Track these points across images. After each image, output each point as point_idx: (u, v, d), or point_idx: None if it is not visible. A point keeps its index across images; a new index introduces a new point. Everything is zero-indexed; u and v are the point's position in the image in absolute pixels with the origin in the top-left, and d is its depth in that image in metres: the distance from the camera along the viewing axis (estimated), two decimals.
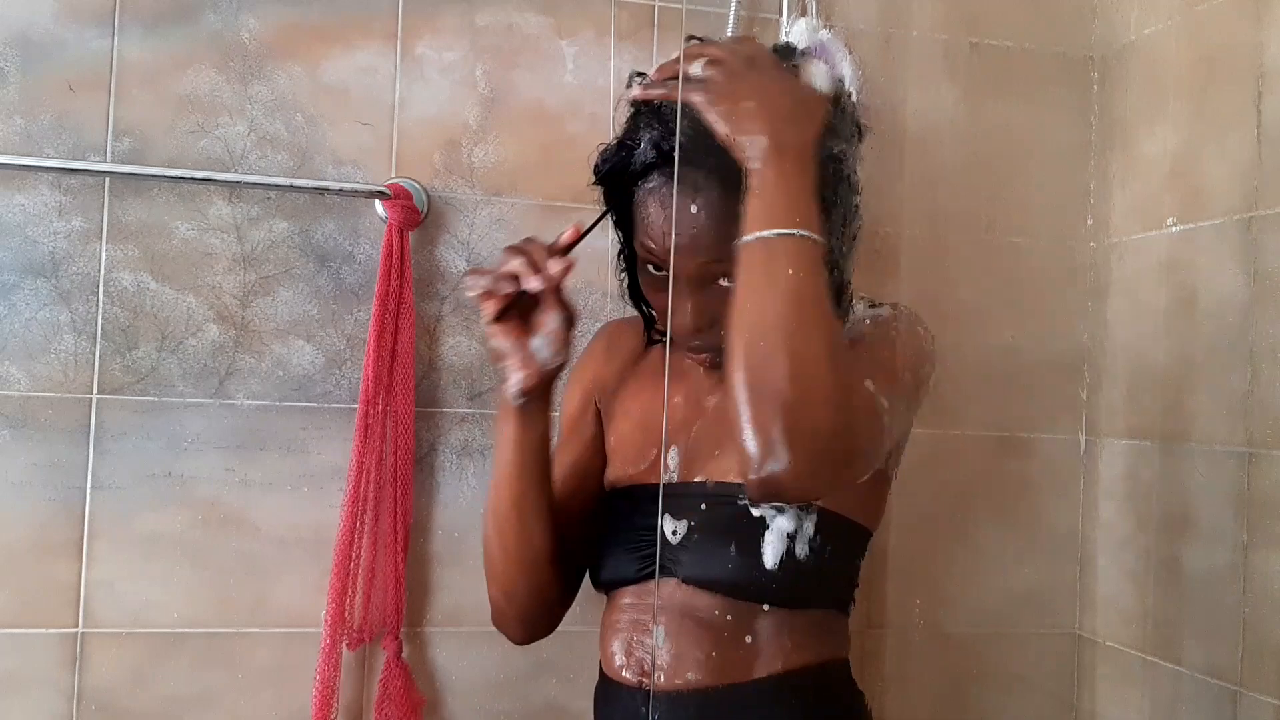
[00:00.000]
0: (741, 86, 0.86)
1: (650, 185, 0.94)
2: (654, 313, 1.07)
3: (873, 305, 1.02)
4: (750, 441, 0.77)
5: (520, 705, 1.29)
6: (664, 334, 1.07)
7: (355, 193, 1.24)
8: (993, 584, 1.42)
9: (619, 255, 1.06)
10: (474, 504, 1.28)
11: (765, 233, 0.81)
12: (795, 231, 0.81)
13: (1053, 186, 1.44)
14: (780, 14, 1.32)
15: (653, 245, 0.95)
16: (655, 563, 0.99)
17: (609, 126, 1.31)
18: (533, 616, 1.09)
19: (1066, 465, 1.44)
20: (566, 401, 1.14)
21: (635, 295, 1.08)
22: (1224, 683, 1.18)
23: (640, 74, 1.00)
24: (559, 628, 1.29)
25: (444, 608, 1.27)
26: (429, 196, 1.26)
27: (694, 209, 0.91)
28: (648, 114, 0.94)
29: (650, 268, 0.98)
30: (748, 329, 0.80)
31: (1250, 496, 1.16)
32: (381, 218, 1.24)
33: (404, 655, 1.24)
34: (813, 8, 1.30)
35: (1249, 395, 1.17)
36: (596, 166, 0.99)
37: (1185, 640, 1.25)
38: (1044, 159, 1.43)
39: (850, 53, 1.01)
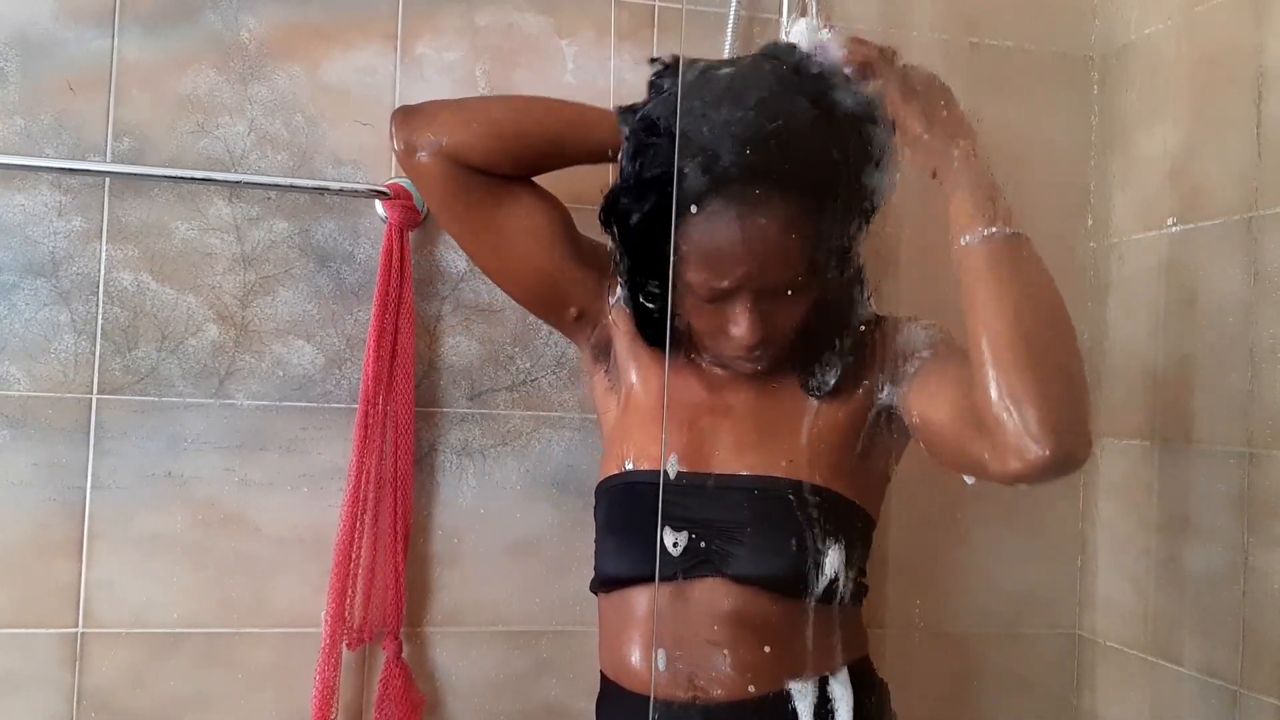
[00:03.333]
0: (936, 91, 0.93)
1: (711, 211, 0.90)
2: (687, 337, 1.04)
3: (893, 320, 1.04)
4: (1046, 419, 0.82)
5: (520, 705, 1.29)
6: (698, 353, 1.05)
7: (355, 193, 1.24)
8: (993, 584, 1.42)
9: (633, 290, 1.02)
10: (474, 504, 1.28)
11: (1004, 229, 0.88)
12: (1022, 231, 0.89)
13: (1053, 186, 1.44)
14: (780, 14, 1.32)
15: (713, 274, 0.92)
16: (695, 559, 0.97)
17: None
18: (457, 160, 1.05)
19: None
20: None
21: (652, 332, 1.04)
22: (1224, 683, 1.18)
23: (656, 59, 1.01)
24: (558, 628, 1.30)
25: (444, 608, 1.27)
26: None
27: (763, 223, 0.91)
28: (665, 141, 0.92)
29: (700, 299, 0.95)
30: (1020, 319, 0.85)
31: (1250, 496, 1.16)
32: (381, 218, 1.24)
33: (404, 655, 1.24)
34: (813, 8, 1.30)
35: (1249, 395, 1.17)
36: (612, 206, 0.97)
37: (1185, 640, 1.25)
38: (1044, 159, 1.43)
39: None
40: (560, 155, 1.07)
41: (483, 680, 1.28)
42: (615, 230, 0.99)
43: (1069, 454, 0.83)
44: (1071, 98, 1.45)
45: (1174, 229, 1.30)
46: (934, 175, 0.92)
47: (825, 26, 1.01)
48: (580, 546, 1.28)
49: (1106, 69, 1.44)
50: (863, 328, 1.03)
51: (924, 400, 0.96)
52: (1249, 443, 1.17)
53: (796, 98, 0.92)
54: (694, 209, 0.90)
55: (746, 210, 0.90)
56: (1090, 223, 1.45)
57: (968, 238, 0.89)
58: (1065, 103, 1.44)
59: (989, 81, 1.41)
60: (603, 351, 1.12)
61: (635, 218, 0.95)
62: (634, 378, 1.08)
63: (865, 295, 1.03)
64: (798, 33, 1.01)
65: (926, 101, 0.92)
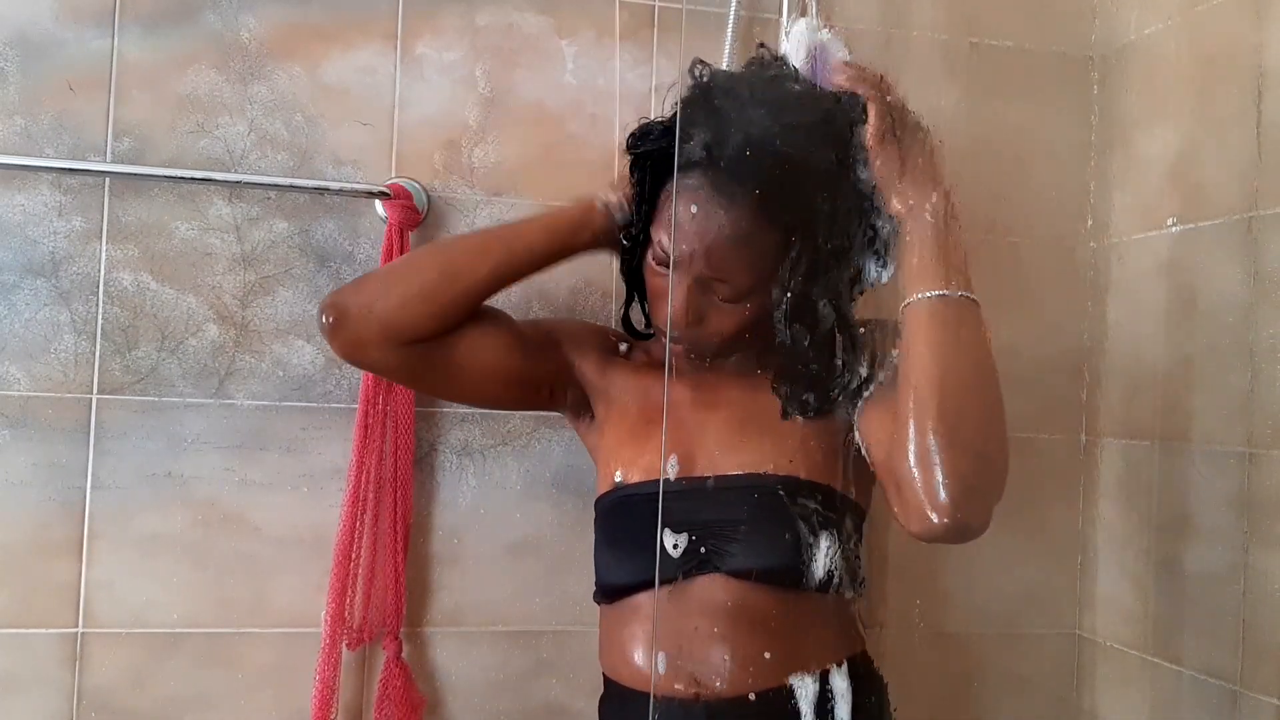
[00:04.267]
0: (917, 139, 0.92)
1: (688, 184, 0.94)
2: (643, 299, 1.09)
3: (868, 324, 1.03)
4: (948, 489, 0.83)
5: (520, 705, 1.29)
6: (646, 323, 1.09)
7: (355, 193, 1.24)
8: (993, 584, 1.42)
9: (625, 229, 1.06)
10: (474, 504, 1.28)
11: (949, 292, 0.88)
12: (973, 295, 0.89)
13: (1053, 186, 1.44)
14: (780, 14, 1.32)
15: (667, 240, 0.96)
16: (694, 560, 0.98)
17: (609, 126, 1.31)
18: (380, 340, 1.03)
19: (1066, 465, 1.44)
20: (555, 321, 1.19)
21: (629, 273, 1.09)
22: (1224, 683, 1.18)
23: (703, 62, 1.02)
24: (558, 628, 1.30)
25: (444, 608, 1.27)
26: (429, 196, 1.26)
27: (723, 219, 0.93)
28: (703, 110, 0.94)
29: (656, 260, 0.99)
30: (944, 387, 0.86)
31: (1250, 496, 1.16)
32: (381, 218, 1.24)
33: (404, 655, 1.24)
34: (813, 8, 1.30)
35: (1249, 395, 1.17)
36: (635, 139, 1.01)
37: (1185, 640, 1.25)
38: (1044, 159, 1.43)
39: (850, 53, 1.01)
40: (505, 283, 1.07)
41: (483, 680, 1.28)
42: (633, 158, 1.02)
43: (964, 528, 0.85)
44: (1071, 98, 1.45)
45: (1174, 229, 1.30)
46: (899, 221, 0.92)
47: (825, 26, 1.01)
48: (580, 546, 1.28)
49: (1106, 69, 1.44)
50: (845, 338, 1.02)
51: (868, 428, 0.97)
52: (1249, 443, 1.17)
53: (827, 146, 0.94)
54: (686, 172, 0.93)
55: (717, 200, 0.93)
56: (1090, 223, 1.45)
57: (919, 294, 0.89)
58: (1065, 103, 1.44)
59: (989, 81, 1.41)
60: (581, 405, 1.14)
61: (647, 153, 0.99)
62: (607, 405, 1.11)
63: (852, 345, 1.02)
64: (798, 33, 1.01)
65: (906, 147, 0.92)
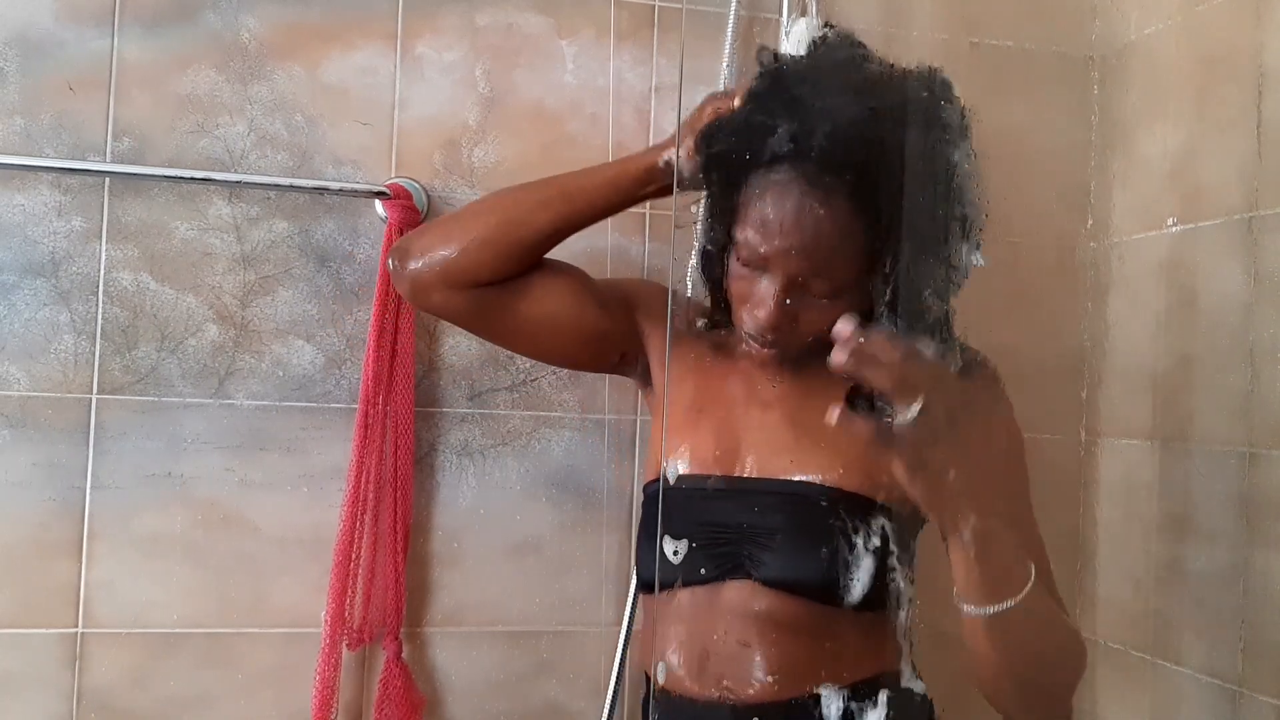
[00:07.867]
0: (943, 451, 0.77)
1: (776, 178, 0.89)
2: (724, 300, 1.02)
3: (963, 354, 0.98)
4: None
5: (520, 705, 1.29)
6: (726, 320, 1.02)
7: (355, 193, 1.24)
8: None
9: (704, 229, 1.00)
10: (474, 504, 1.28)
11: (1001, 607, 0.82)
12: (1025, 591, 0.83)
13: (1053, 186, 1.44)
14: (780, 14, 1.32)
15: (757, 239, 0.90)
16: (728, 563, 0.96)
17: (609, 126, 1.31)
18: (447, 283, 1.03)
19: (1066, 465, 1.44)
20: (633, 283, 1.15)
21: (710, 274, 1.02)
22: (1224, 683, 1.18)
23: (768, 48, 0.99)
24: (558, 628, 1.30)
25: (444, 608, 1.27)
26: (429, 196, 1.26)
27: (821, 214, 0.88)
28: (785, 99, 0.90)
29: (739, 261, 0.93)
30: (1014, 683, 0.88)
31: (1250, 496, 1.16)
32: (381, 218, 1.24)
33: (404, 655, 1.24)
34: (813, 8, 1.30)
35: (1249, 395, 1.17)
36: (707, 138, 0.95)
37: (1185, 640, 1.25)
38: (1044, 159, 1.43)
39: None
40: (565, 234, 1.06)
41: (483, 680, 1.28)
42: (704, 159, 0.97)
43: None
44: (1071, 98, 1.45)
45: (1174, 229, 1.30)
46: (943, 533, 0.84)
47: (825, 26, 1.01)
48: (580, 546, 1.29)
49: (1106, 69, 1.44)
50: (941, 333, 0.96)
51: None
52: (1249, 443, 1.17)
53: (916, 128, 0.90)
54: (772, 167, 0.89)
55: (814, 193, 0.87)
56: (1090, 223, 1.45)
57: (972, 608, 0.83)
58: (1065, 103, 1.44)
59: (989, 81, 1.41)
60: (648, 374, 1.12)
61: (724, 152, 0.93)
62: (666, 384, 1.07)
63: (946, 341, 0.96)
64: (798, 33, 1.01)
65: (934, 470, 0.78)
